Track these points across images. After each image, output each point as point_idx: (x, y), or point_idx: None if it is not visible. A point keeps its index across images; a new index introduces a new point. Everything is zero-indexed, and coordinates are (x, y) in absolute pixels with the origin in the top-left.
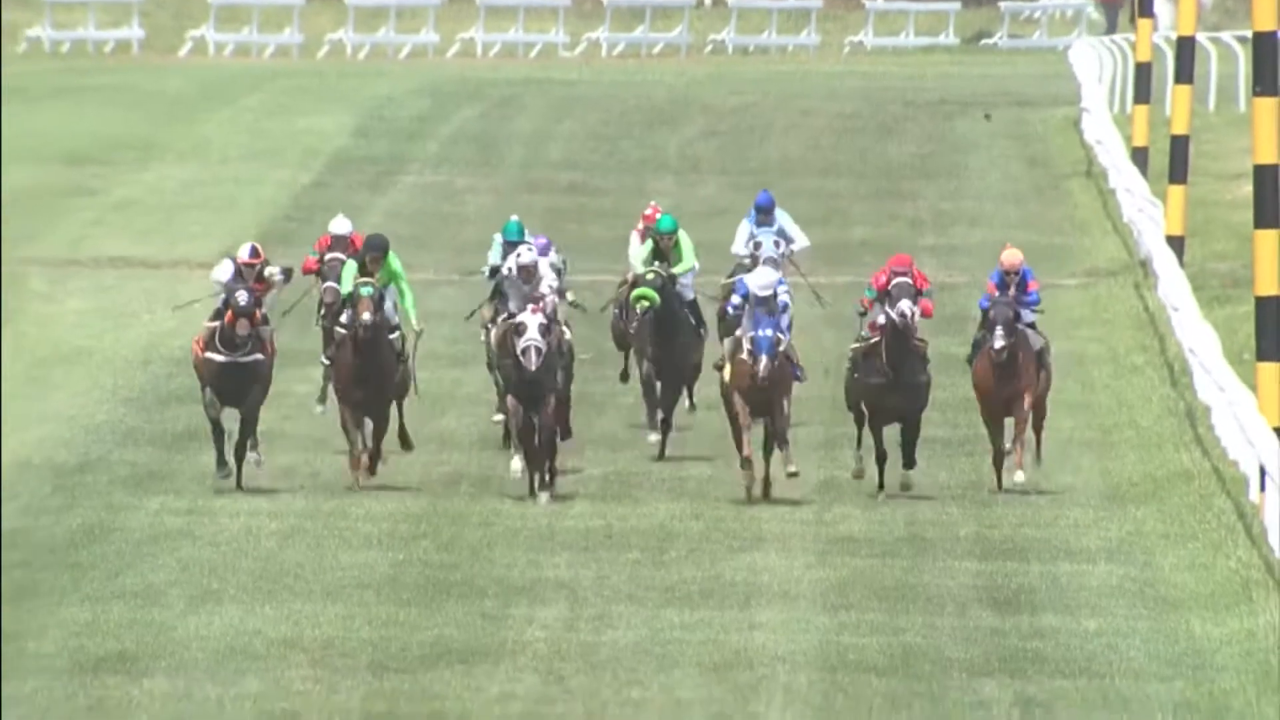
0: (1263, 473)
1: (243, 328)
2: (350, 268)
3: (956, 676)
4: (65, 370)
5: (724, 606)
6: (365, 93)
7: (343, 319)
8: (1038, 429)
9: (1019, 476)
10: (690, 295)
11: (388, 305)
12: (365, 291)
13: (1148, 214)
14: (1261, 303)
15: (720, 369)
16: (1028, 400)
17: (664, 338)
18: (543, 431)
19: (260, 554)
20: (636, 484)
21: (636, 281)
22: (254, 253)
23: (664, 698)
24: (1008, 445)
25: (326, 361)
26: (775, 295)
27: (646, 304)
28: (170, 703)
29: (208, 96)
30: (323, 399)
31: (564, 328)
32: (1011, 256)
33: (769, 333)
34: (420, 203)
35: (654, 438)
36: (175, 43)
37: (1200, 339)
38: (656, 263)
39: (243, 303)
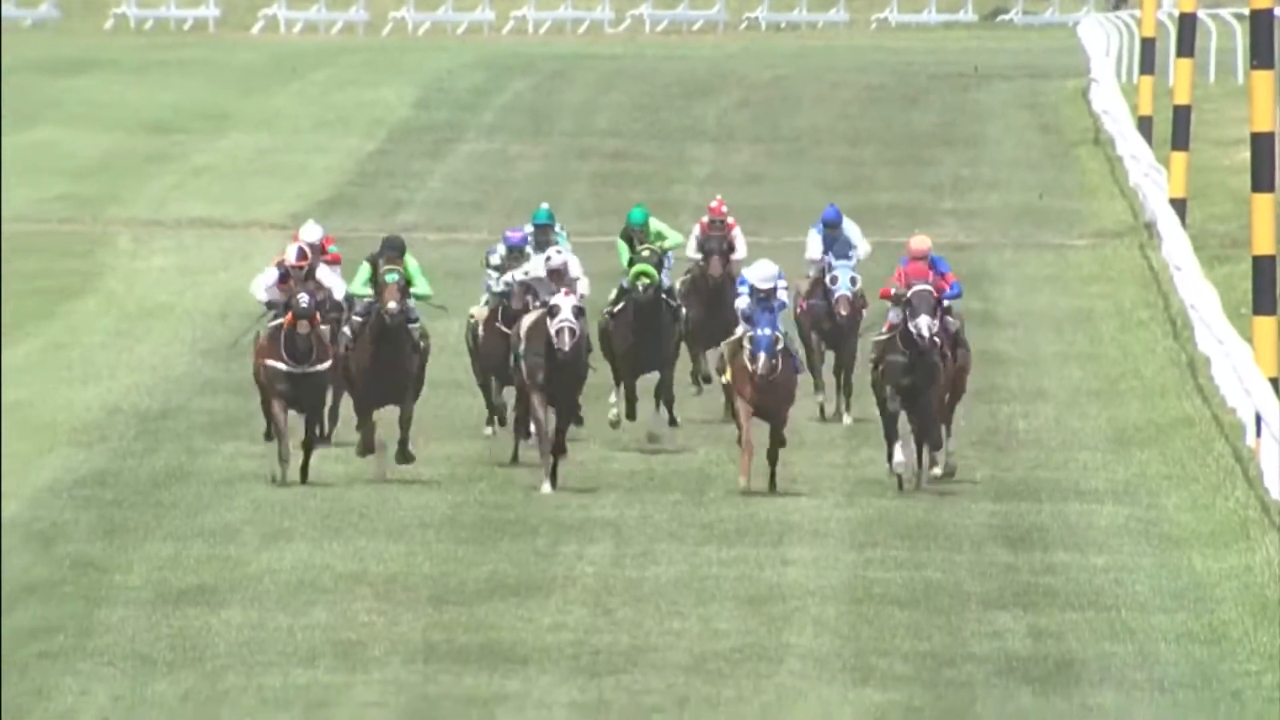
0: (1258, 419)
1: (303, 328)
2: (363, 269)
3: (973, 609)
4: (149, 324)
5: (758, 544)
6: (425, 67)
7: (358, 311)
8: (952, 404)
9: (936, 465)
10: (669, 282)
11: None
12: (391, 278)
13: (1152, 179)
14: (1258, 261)
15: (721, 373)
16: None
17: (645, 322)
18: (561, 420)
19: (328, 495)
20: (676, 432)
21: (631, 263)
22: (301, 254)
23: (702, 628)
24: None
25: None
26: (774, 290)
27: (649, 280)
28: (245, 631)
29: (279, 70)
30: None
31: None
32: (920, 242)
33: (767, 332)
34: (476, 169)
35: (613, 399)
36: (249, 20)
37: (1201, 295)
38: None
39: (303, 305)
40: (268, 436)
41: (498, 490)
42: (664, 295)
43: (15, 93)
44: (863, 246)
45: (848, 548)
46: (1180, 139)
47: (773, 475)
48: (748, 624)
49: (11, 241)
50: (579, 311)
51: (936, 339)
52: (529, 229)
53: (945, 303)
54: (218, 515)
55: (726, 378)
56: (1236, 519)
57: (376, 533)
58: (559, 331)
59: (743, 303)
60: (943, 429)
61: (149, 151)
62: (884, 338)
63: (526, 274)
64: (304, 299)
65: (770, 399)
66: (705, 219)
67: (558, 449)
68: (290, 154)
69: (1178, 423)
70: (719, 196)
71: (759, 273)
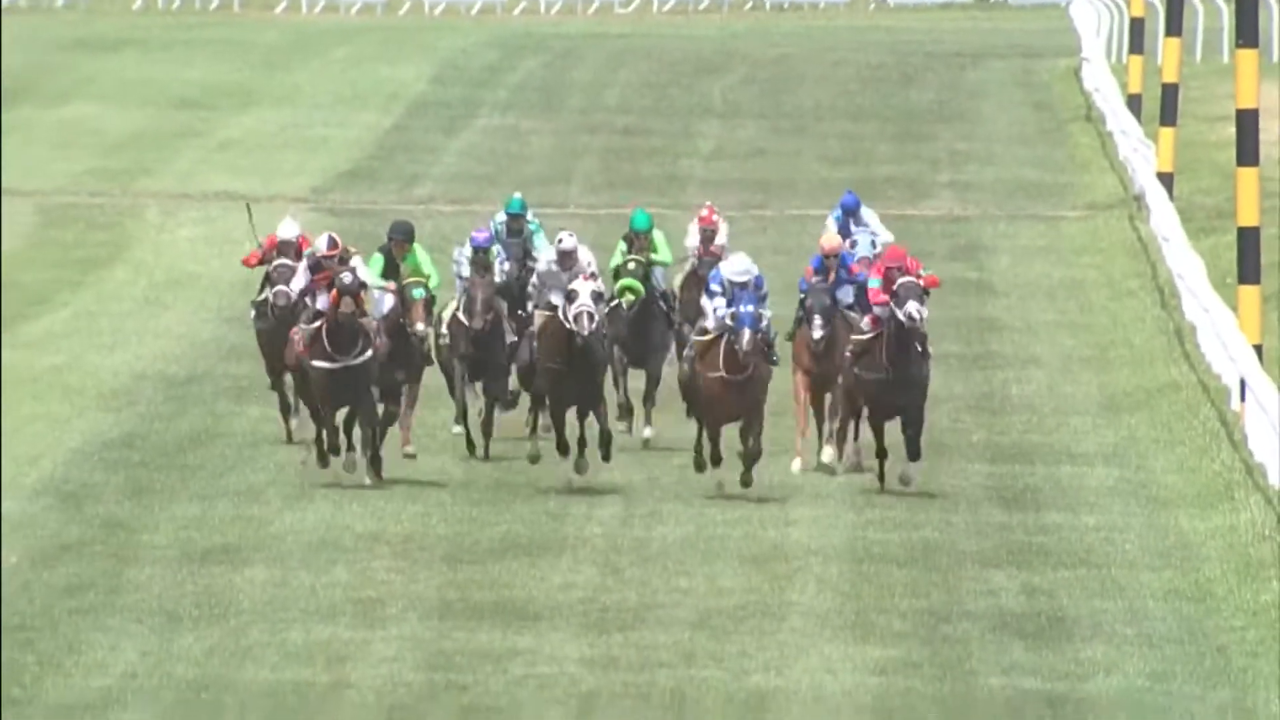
0: (1243, 384)
1: (347, 306)
2: (375, 260)
3: (969, 567)
4: (176, 292)
5: (762, 505)
6: (441, 45)
7: (379, 308)
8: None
9: (826, 454)
10: (663, 286)
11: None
12: (417, 294)
13: (1141, 153)
14: (1243, 232)
15: (684, 379)
16: (841, 380)
17: (639, 326)
18: (597, 418)
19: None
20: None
21: (618, 273)
22: (331, 243)
23: (708, 586)
24: (827, 428)
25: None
26: (750, 284)
27: (633, 297)
28: (268, 589)
29: (300, 48)
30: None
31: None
32: (830, 240)
33: (751, 308)
34: (490, 143)
35: (622, 425)
36: (272, 0)
37: (1188, 265)
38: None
39: (348, 281)
40: (289, 438)
41: (510, 454)
42: (660, 299)
43: (49, 71)
44: (883, 235)
45: (848, 508)
46: (1168, 115)
47: (747, 476)
48: (752, 582)
49: (46, 213)
50: (598, 296)
51: (920, 324)
52: (501, 219)
53: (847, 299)
54: (242, 477)
55: (682, 375)
56: (1222, 481)
57: (394, 494)
58: (578, 316)
59: (717, 303)
60: (825, 426)
61: (177, 127)
62: (865, 337)
63: (541, 264)
64: (348, 276)
65: (744, 396)
66: (697, 223)
67: (605, 448)
68: (311, 129)
69: (1166, 388)
70: (709, 204)
71: (734, 266)
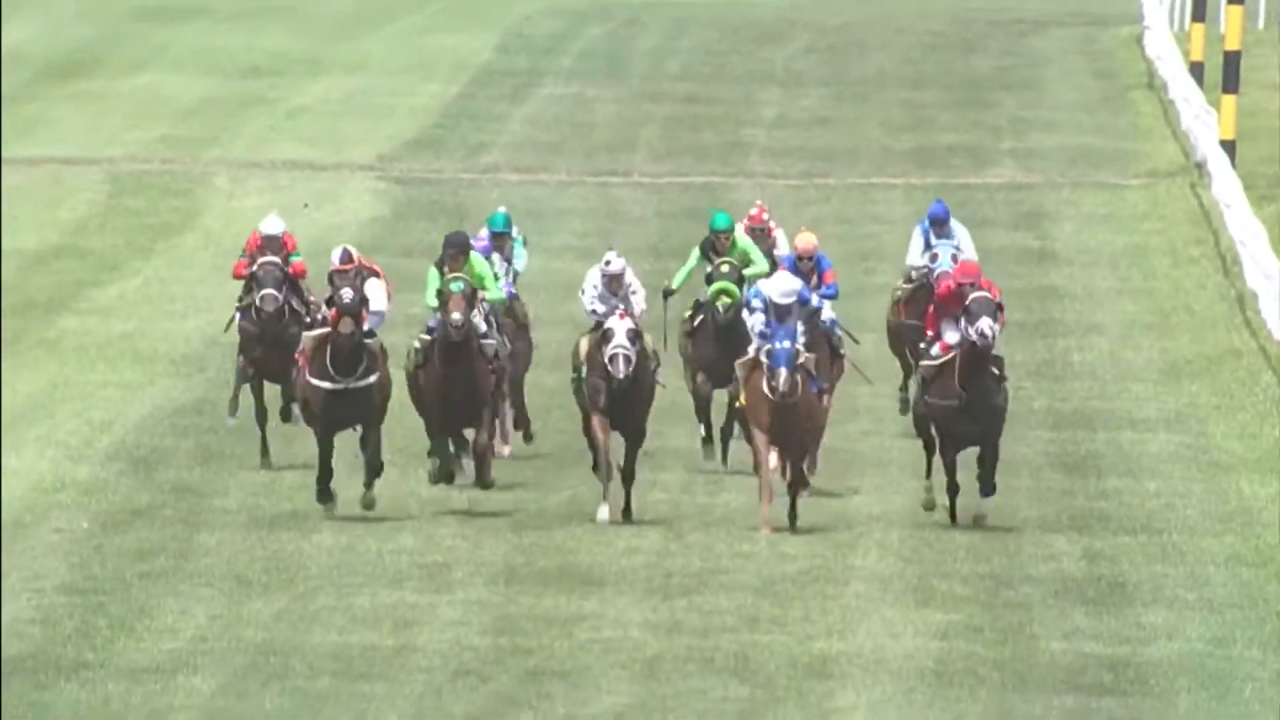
0: None
1: (346, 326)
2: (431, 277)
3: (1031, 533)
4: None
5: (825, 472)
6: (507, 14)
7: (429, 324)
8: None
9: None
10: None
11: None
12: (455, 287)
13: (1203, 121)
14: None
15: (736, 398)
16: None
17: (727, 344)
18: (630, 446)
19: (414, 425)
20: None
21: (709, 278)
22: (346, 257)
23: (770, 552)
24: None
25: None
26: (797, 304)
27: (729, 300)
28: (335, 554)
29: (368, 17)
30: (233, 410)
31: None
32: (805, 240)
33: (787, 344)
34: (554, 111)
35: (714, 461)
36: None
37: (1249, 232)
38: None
39: (347, 299)
40: (322, 498)
41: (572, 421)
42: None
43: (121, 41)
44: (968, 251)
45: (910, 475)
46: (1230, 83)
47: (793, 511)
48: (814, 548)
49: (118, 181)
50: (634, 336)
51: (997, 341)
52: (483, 236)
53: (821, 303)
54: (309, 444)
55: (741, 400)
56: None
57: (460, 463)
58: (613, 359)
59: (756, 320)
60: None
61: (245, 95)
62: (936, 362)
63: (586, 291)
64: (348, 293)
65: (790, 425)
66: (745, 222)
67: (627, 477)
68: (378, 97)
69: (1226, 355)
70: (760, 203)
71: (779, 286)
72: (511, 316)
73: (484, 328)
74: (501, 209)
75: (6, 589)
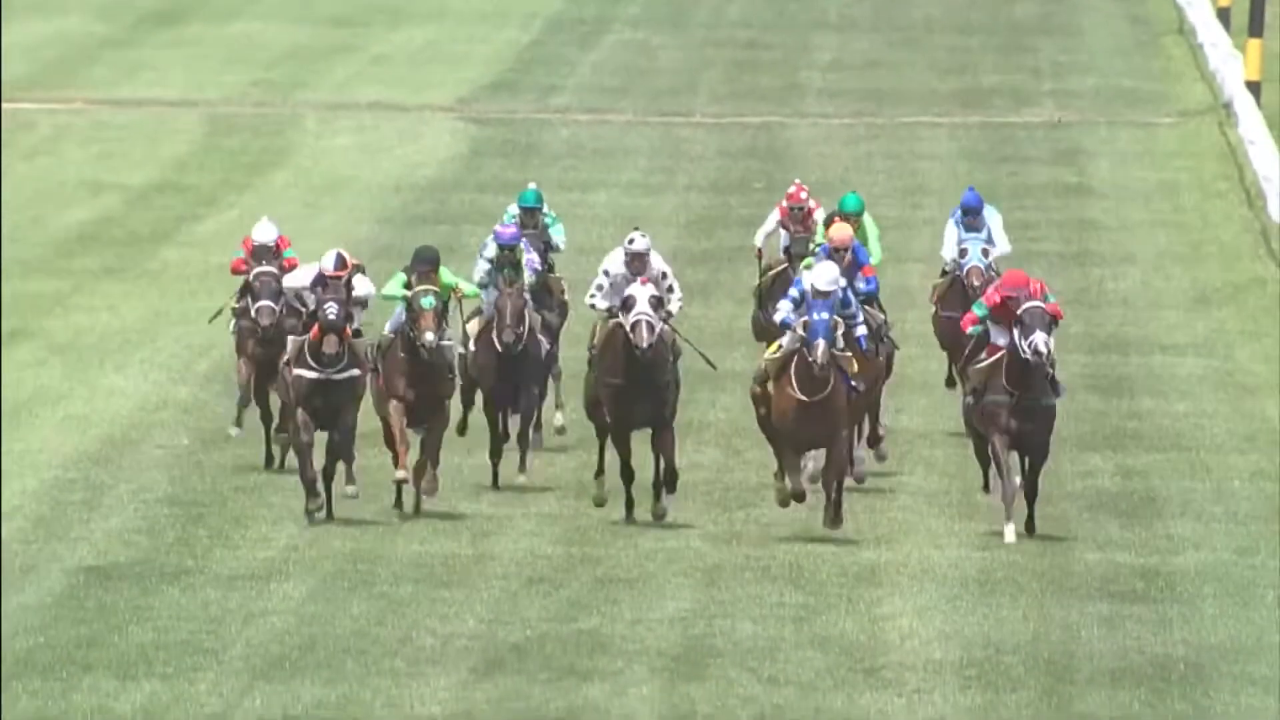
0: None
1: (330, 345)
2: (397, 278)
3: (1068, 450)
4: (333, 196)
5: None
6: None
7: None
8: (874, 414)
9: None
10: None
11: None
12: (427, 303)
13: (1230, 64)
14: None
15: (757, 395)
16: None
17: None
18: (662, 445)
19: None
20: None
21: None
22: (340, 263)
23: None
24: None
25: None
26: (837, 293)
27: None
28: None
29: None
30: (239, 421)
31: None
32: (841, 231)
33: (826, 315)
34: (621, 57)
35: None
36: None
37: (1274, 168)
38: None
39: (331, 316)
40: (310, 497)
41: None
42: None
43: None
44: (1000, 244)
45: (954, 397)
46: (1256, 27)
47: (837, 508)
48: (865, 463)
49: (214, 122)
50: (657, 302)
51: (1048, 360)
52: (514, 212)
53: (858, 310)
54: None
55: (756, 389)
56: None
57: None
58: (635, 326)
59: (786, 310)
60: (855, 433)
61: (333, 42)
62: (986, 364)
63: (606, 273)
64: (332, 309)
65: (823, 420)
66: (784, 203)
67: (668, 480)
68: (455, 45)
69: (1252, 283)
70: (797, 180)
71: (822, 275)
72: (548, 291)
73: (448, 333)
74: (532, 185)
75: (114, 500)
